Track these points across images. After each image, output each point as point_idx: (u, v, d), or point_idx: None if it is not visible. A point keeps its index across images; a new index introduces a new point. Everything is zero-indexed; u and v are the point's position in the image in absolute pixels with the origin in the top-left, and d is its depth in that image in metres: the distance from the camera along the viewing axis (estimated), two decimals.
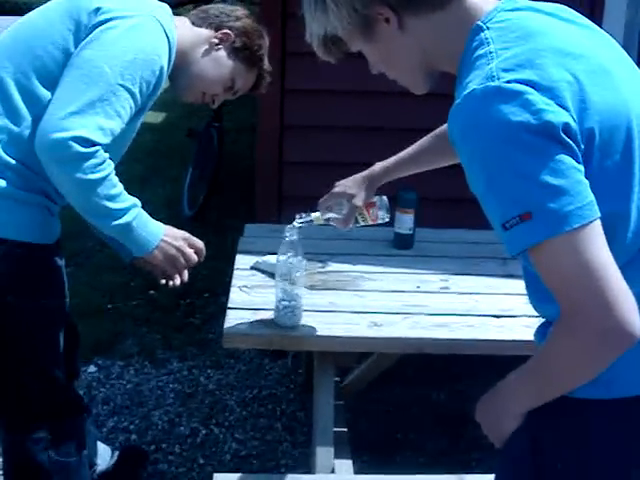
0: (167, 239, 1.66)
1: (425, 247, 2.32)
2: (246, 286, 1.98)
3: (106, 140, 1.46)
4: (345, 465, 1.87)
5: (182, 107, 6.51)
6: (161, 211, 4.22)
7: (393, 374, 2.53)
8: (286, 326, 1.75)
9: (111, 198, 1.51)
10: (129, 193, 1.58)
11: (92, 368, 3.07)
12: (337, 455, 1.86)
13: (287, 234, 1.72)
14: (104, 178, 1.47)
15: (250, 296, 1.92)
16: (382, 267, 2.15)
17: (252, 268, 2.11)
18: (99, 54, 1.48)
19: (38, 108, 1.50)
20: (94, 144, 1.44)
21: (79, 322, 3.36)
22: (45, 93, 1.51)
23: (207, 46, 1.72)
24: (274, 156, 2.88)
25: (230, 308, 1.85)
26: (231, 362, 3.13)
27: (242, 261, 2.15)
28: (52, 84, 1.51)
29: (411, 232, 2.30)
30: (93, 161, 1.45)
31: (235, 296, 1.92)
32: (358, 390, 2.43)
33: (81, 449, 1.79)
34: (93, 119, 1.44)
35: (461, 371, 2.90)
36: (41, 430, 1.67)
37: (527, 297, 1.18)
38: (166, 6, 1.64)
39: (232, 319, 1.79)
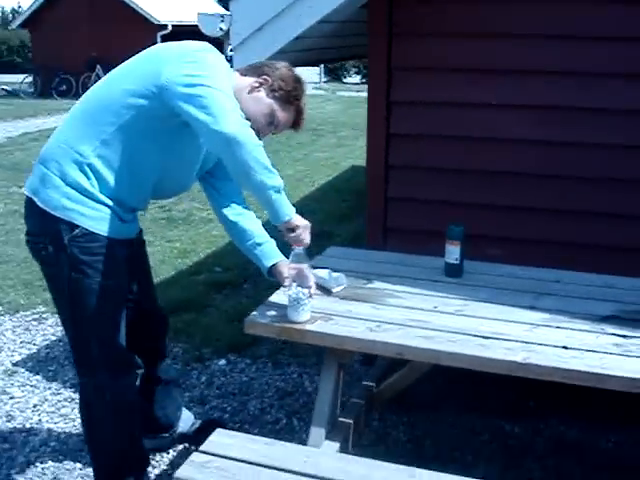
0: None
1: (472, 277, 2.54)
2: None
3: None
4: (333, 446, 2.16)
5: None
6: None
7: (471, 400, 2.71)
8: (294, 321, 2.13)
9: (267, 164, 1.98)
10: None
11: (222, 361, 3.62)
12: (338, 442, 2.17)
13: (297, 250, 2.13)
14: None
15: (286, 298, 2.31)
16: (417, 289, 2.42)
17: None
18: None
19: (121, 120, 2.04)
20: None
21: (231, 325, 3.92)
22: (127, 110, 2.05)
23: (250, 89, 2.17)
24: (381, 192, 3.25)
25: (265, 304, 2.27)
26: None
27: None
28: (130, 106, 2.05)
29: (457, 262, 2.54)
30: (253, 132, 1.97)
31: (275, 297, 2.33)
32: (390, 397, 2.69)
33: (132, 397, 2.31)
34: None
35: (538, 405, 3.00)
36: (100, 377, 2.22)
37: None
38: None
39: (260, 312, 2.21)
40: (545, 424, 3.01)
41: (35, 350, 3.73)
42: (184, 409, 2.79)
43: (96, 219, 2.09)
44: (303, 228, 2.10)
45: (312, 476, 1.82)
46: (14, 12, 35.10)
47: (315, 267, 2.56)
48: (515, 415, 3.06)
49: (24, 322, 4.14)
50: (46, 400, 3.15)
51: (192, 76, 1.95)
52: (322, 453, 2.02)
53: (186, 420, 2.76)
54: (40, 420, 2.99)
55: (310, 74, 20.65)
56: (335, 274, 2.45)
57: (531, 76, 2.94)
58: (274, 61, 2.27)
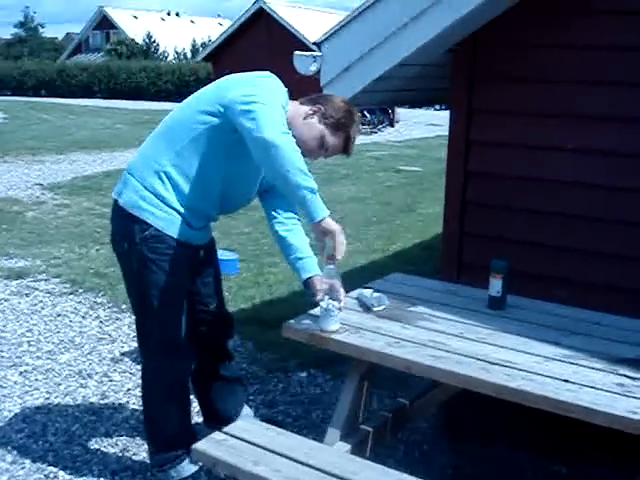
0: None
1: (512, 311, 2.65)
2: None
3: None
4: (344, 447, 2.35)
5: None
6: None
7: (526, 438, 2.80)
8: (323, 329, 2.36)
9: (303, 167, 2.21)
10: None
11: (304, 374, 3.90)
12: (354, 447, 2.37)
13: (330, 267, 2.36)
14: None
15: None
16: (453, 316, 2.57)
17: (356, 298, 2.72)
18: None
19: (193, 134, 2.41)
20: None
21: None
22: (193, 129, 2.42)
23: (304, 116, 2.46)
24: (457, 227, 3.41)
25: (305, 314, 2.52)
26: None
27: (356, 291, 2.77)
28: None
29: (499, 294, 2.66)
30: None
31: (315, 309, 2.56)
32: (425, 413, 2.82)
33: (183, 382, 2.64)
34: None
35: (597, 451, 3.00)
36: (157, 360, 2.57)
37: None
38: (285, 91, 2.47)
39: (298, 320, 2.47)
40: (599, 470, 3.00)
41: None
42: (245, 406, 3.10)
43: (166, 221, 2.45)
44: (335, 233, 2.25)
45: (305, 464, 2.04)
46: (204, 45, 37.96)
47: (364, 287, 2.80)
48: (568, 458, 3.07)
49: None
50: (138, 386, 3.57)
51: (248, 95, 2.29)
52: (325, 449, 2.23)
53: (245, 417, 3.05)
54: (128, 402, 3.43)
55: None
56: (377, 294, 2.66)
57: (607, 123, 3.01)
58: (330, 94, 2.56)
